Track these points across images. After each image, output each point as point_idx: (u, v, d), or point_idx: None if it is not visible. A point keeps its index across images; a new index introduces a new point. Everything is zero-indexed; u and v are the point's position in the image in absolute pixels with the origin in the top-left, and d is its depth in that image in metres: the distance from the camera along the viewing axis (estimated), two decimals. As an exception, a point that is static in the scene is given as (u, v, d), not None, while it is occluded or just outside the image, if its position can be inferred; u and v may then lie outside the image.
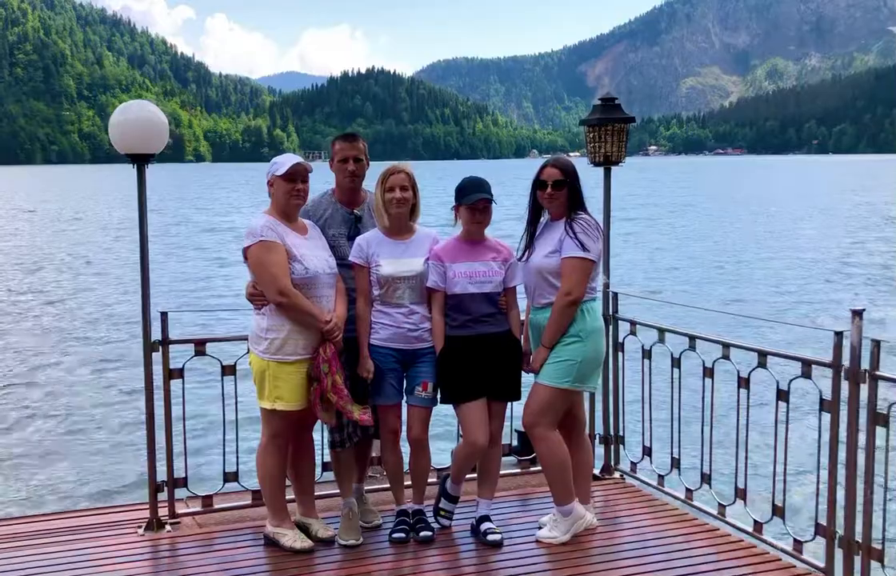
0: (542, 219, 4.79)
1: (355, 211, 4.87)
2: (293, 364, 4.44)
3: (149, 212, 4.84)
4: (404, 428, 4.75)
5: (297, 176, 4.48)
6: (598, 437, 5.83)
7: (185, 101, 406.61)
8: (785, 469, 4.47)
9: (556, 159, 4.72)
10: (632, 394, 5.75)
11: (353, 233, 4.79)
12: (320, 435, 4.99)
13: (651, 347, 5.44)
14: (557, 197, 4.61)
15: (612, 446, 5.83)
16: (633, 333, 5.64)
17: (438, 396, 4.68)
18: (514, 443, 5.86)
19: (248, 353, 4.61)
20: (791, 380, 4.44)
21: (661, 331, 5.32)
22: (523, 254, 4.75)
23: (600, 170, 5.72)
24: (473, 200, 4.53)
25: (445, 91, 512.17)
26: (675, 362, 5.24)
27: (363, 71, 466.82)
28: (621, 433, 5.81)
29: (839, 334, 4.09)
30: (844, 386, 4.10)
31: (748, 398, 4.68)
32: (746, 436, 4.71)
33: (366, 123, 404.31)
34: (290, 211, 4.54)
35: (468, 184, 4.59)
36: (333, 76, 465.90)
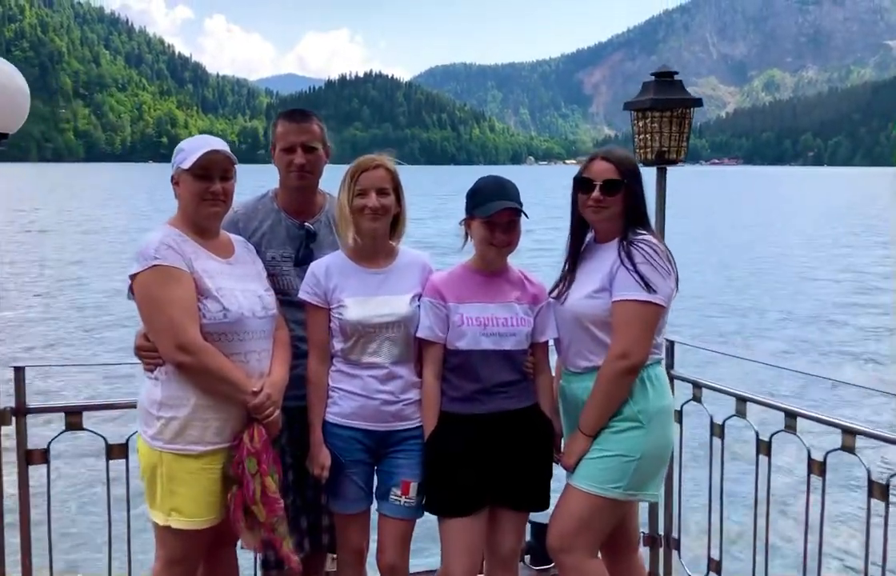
0: (587, 239, 3.27)
1: (307, 224, 3.38)
2: (200, 459, 2.87)
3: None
4: (374, 546, 3.20)
5: (211, 170, 2.95)
6: (641, 536, 4.26)
7: (181, 101, 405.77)
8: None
9: (609, 151, 3.20)
10: (694, 483, 4.19)
11: (303, 256, 3.34)
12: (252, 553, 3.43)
13: (725, 421, 3.86)
14: (609, 205, 3.11)
15: (662, 550, 4.27)
16: (696, 399, 4.04)
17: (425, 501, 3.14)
18: (528, 537, 4.30)
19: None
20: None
21: (742, 400, 3.76)
22: (556, 288, 3.25)
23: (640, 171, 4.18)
24: (494, 212, 3.04)
25: (443, 96, 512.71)
26: (763, 447, 3.67)
27: (361, 75, 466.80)
28: (675, 535, 4.24)
29: None
30: None
31: (886, 510, 3.12)
32: (884, 562, 3.17)
33: (363, 127, 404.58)
34: (205, 221, 3.02)
35: (486, 186, 3.13)
36: (331, 79, 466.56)
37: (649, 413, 3.02)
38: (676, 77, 4.21)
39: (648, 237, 3.08)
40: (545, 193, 58.69)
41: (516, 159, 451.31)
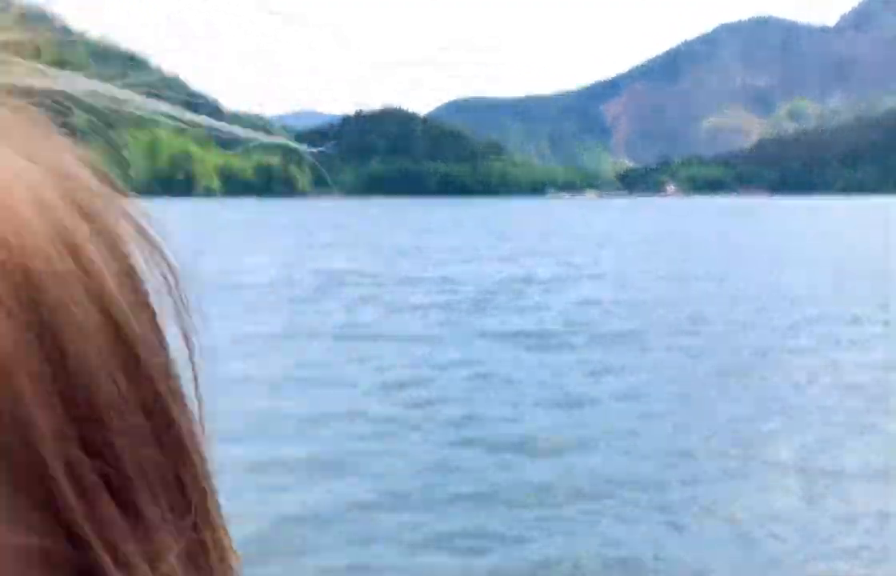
0: None
1: None
2: None
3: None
4: None
5: None
6: None
7: (197, 136, 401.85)
8: None
9: None
10: None
11: None
12: None
13: None
14: None
15: None
16: None
17: None
18: None
19: None
20: None
21: None
22: None
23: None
24: None
25: (461, 129, 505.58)
26: None
27: (378, 109, 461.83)
28: None
29: None
30: None
31: None
32: None
33: (380, 161, 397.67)
34: None
35: None
36: (348, 115, 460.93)
37: None
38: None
39: None
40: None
41: (537, 191, 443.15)
